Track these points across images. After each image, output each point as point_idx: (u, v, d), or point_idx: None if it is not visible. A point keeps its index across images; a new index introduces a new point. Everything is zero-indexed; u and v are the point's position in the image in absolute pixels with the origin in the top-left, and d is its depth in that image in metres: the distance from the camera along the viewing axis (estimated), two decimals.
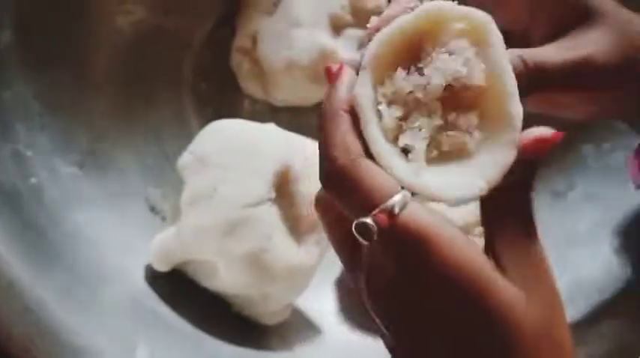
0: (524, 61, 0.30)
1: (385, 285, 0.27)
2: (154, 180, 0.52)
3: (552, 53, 0.32)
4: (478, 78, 0.27)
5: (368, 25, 0.31)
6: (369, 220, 0.25)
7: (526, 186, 0.27)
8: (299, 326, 0.48)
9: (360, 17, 0.55)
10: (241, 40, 0.56)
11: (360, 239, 0.26)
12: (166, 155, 0.53)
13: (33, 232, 0.39)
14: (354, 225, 0.26)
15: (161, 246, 0.45)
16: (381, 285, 0.27)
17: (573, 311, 0.46)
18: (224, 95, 0.57)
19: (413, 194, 0.27)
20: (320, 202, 0.30)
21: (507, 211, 0.27)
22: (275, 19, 0.55)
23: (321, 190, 0.29)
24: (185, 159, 0.46)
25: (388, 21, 0.29)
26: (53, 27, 0.49)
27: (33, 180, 0.42)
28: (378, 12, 0.54)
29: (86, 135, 0.49)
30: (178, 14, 0.56)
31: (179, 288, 0.46)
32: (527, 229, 0.27)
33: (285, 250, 0.44)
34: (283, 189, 0.46)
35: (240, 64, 0.56)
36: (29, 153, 0.43)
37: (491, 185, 0.26)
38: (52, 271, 0.38)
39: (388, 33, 0.28)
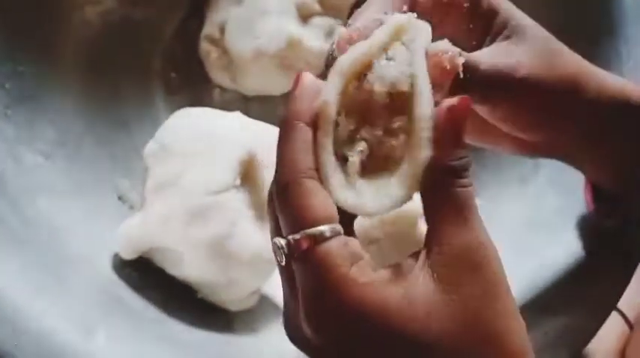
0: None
1: (308, 307, 0.26)
2: (123, 170, 0.52)
3: (483, 56, 0.33)
4: (405, 83, 0.28)
5: (339, 38, 0.31)
6: (282, 242, 0.26)
7: (452, 168, 0.26)
8: (266, 311, 0.49)
9: (328, 6, 0.55)
10: (209, 29, 0.56)
11: (275, 257, 0.26)
12: (135, 145, 0.53)
13: None
14: (271, 243, 0.26)
15: (126, 234, 0.45)
16: (307, 306, 0.26)
17: (533, 293, 0.46)
18: (194, 85, 0.57)
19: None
20: (270, 202, 0.29)
21: (437, 199, 0.26)
22: (243, 7, 0.55)
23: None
24: (150, 147, 0.47)
25: (361, 33, 0.29)
26: (19, 16, 0.49)
27: None
28: (344, 1, 0.55)
29: (53, 125, 0.49)
30: (147, 5, 0.57)
31: (146, 276, 0.47)
32: (458, 216, 0.26)
33: (250, 237, 0.45)
34: (249, 176, 0.47)
35: (208, 53, 0.56)
36: None
37: (411, 192, 0.27)
38: (12, 258, 0.38)
39: (370, 46, 0.28)
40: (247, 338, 0.46)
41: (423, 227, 0.51)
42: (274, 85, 0.56)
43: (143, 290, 0.46)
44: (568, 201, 0.53)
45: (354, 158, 0.28)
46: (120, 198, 0.51)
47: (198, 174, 0.45)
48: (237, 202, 0.45)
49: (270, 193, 0.28)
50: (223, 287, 0.46)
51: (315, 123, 0.27)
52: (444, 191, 0.26)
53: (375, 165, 0.28)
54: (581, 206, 0.53)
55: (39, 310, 0.37)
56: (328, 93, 0.28)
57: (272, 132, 0.49)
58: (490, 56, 0.33)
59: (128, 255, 0.46)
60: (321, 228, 0.25)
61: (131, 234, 0.45)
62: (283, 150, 0.27)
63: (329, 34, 0.55)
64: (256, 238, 0.45)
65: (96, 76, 0.54)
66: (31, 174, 0.45)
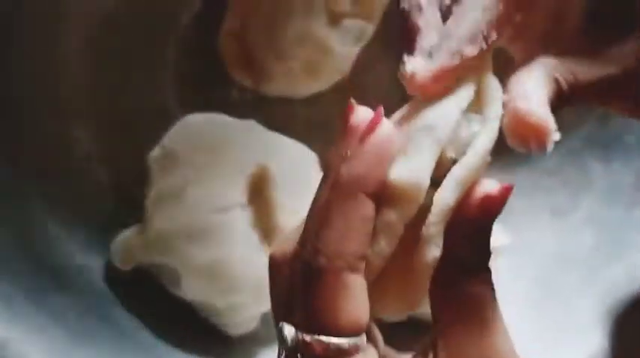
0: (557, 82, 0.25)
1: None
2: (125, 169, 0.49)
3: (591, 67, 0.26)
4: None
5: (413, 71, 0.24)
6: (290, 332, 0.21)
7: (472, 265, 0.22)
8: (268, 334, 0.46)
9: (360, 7, 0.50)
10: (231, 23, 0.51)
11: (278, 340, 0.22)
12: (141, 146, 0.50)
13: None
14: (279, 324, 0.22)
15: (123, 246, 0.42)
16: None
17: (559, 341, 0.43)
18: (210, 82, 0.53)
19: None
20: (275, 258, 0.24)
21: (448, 296, 0.22)
22: (269, 4, 0.50)
23: (279, 244, 0.25)
24: (155, 153, 0.43)
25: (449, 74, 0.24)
26: None
27: None
28: (380, 3, 0.51)
29: (52, 118, 0.46)
30: None
31: (141, 289, 0.44)
32: (473, 318, 0.22)
33: (254, 260, 0.41)
34: (258, 192, 0.43)
35: (228, 48, 0.52)
36: None
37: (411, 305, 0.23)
38: None
39: (465, 99, 0.24)
40: None
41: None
42: (297, 88, 0.52)
43: (136, 306, 0.43)
44: (606, 240, 0.49)
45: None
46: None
47: (204, 189, 0.41)
48: (243, 222, 0.41)
49: (295, 256, 0.23)
50: (223, 311, 0.42)
51: (381, 197, 0.21)
52: (457, 289, 0.22)
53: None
54: (621, 247, 0.48)
55: (13, 338, 0.33)
56: (423, 170, 0.21)
57: (289, 146, 0.45)
58: (601, 65, 0.26)
59: (123, 265, 0.42)
60: (341, 340, 0.21)
61: (128, 247, 0.42)
62: (332, 221, 0.21)
63: (359, 38, 0.51)
64: (261, 262, 0.41)
65: (101, 65, 0.49)
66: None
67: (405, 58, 0.24)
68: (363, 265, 0.21)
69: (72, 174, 0.46)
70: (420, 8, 0.24)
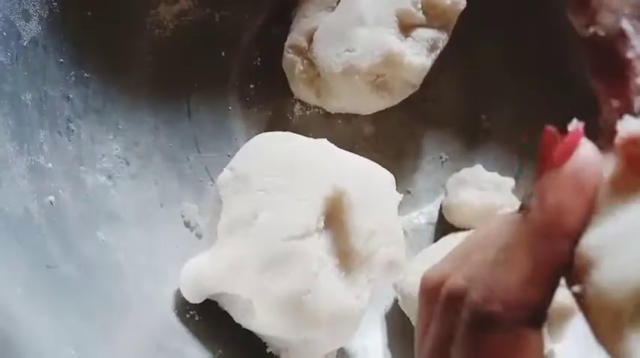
0: None
1: None
2: (191, 192, 0.47)
3: None
4: None
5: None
6: None
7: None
8: None
9: (433, 16, 0.47)
10: (295, 38, 0.49)
11: None
12: (206, 164, 0.48)
13: (41, 267, 0.34)
14: None
15: (193, 276, 0.39)
16: None
17: None
18: (273, 98, 0.51)
19: None
20: (429, 285, 0.21)
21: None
22: (335, 15, 0.48)
23: (435, 269, 0.21)
24: (225, 176, 0.41)
25: None
26: (85, 15, 0.44)
27: (50, 198, 0.37)
28: (454, 10, 0.47)
29: (118, 140, 0.44)
30: (227, 6, 0.50)
31: (210, 320, 0.41)
32: None
33: (332, 291, 0.38)
34: (335, 216, 0.40)
35: (292, 64, 0.49)
36: (50, 166, 0.38)
37: None
38: (60, 315, 0.33)
39: None
40: None
41: None
42: (363, 105, 0.49)
43: (204, 337, 0.40)
44: None
45: None
46: (186, 224, 0.46)
47: (278, 214, 0.38)
48: (320, 249, 0.39)
49: (457, 291, 0.19)
50: (297, 346, 0.40)
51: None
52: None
53: None
54: None
55: None
56: None
57: (364, 166, 0.42)
58: None
59: (193, 298, 0.40)
60: None
61: (198, 276, 0.39)
62: (517, 262, 0.17)
63: (432, 48, 0.47)
64: (339, 293, 0.38)
65: (166, 84, 0.48)
66: (91, 200, 0.40)
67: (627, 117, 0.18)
68: (544, 320, 0.18)
69: None
70: (623, 36, 0.19)
